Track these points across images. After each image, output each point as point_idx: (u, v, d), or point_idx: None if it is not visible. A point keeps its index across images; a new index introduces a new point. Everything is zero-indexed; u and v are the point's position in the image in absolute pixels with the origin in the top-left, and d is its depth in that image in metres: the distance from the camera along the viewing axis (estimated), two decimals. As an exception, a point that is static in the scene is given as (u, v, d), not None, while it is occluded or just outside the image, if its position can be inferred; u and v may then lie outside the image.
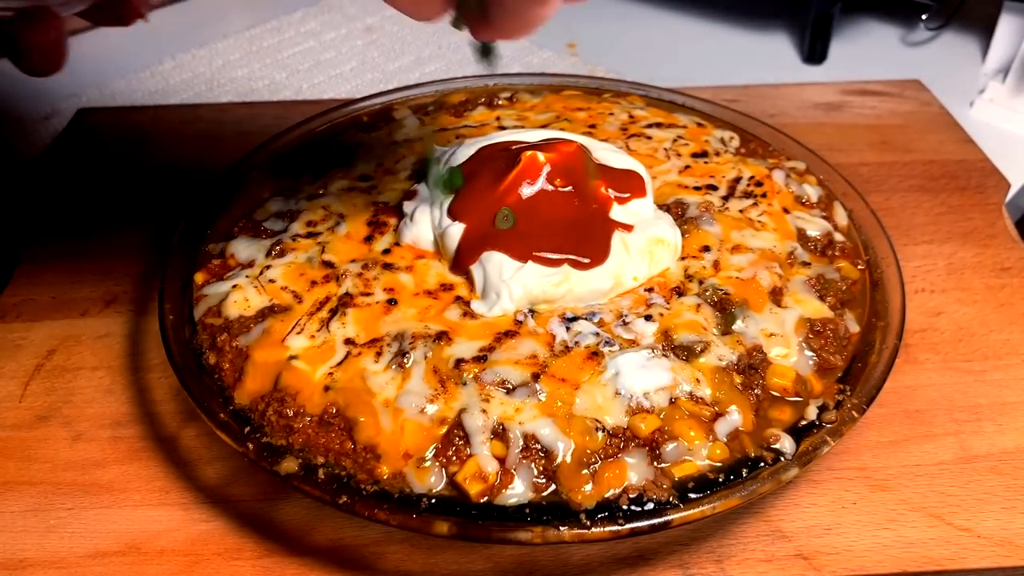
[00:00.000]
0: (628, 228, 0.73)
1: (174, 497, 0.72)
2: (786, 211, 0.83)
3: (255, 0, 1.69)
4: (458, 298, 0.71)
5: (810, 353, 0.70)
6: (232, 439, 0.63)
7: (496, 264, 0.70)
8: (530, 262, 0.69)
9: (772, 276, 0.74)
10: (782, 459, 0.62)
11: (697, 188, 0.84)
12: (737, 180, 0.86)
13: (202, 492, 0.73)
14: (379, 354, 0.67)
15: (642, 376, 0.64)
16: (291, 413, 0.64)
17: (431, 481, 0.60)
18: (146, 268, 0.95)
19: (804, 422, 0.65)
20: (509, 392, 0.64)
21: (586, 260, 0.70)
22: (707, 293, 0.72)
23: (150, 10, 0.67)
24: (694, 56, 1.50)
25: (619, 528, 0.58)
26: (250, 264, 0.76)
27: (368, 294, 0.72)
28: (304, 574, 0.67)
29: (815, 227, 0.82)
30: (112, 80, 1.39)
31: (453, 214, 0.74)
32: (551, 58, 1.49)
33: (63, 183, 1.08)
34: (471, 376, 0.64)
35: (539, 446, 0.61)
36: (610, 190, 0.75)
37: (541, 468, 0.61)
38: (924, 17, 1.51)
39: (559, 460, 0.61)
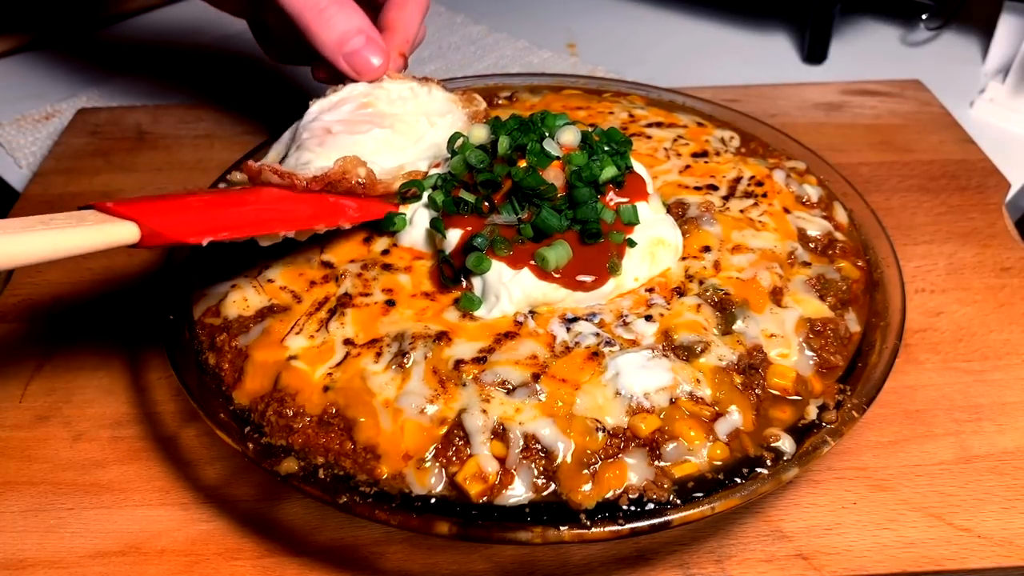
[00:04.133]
0: (629, 230, 0.73)
1: (174, 497, 0.72)
2: (786, 211, 0.83)
3: (255, 0, 1.69)
4: (456, 299, 0.71)
5: (810, 353, 0.70)
6: (232, 439, 0.63)
7: (495, 268, 0.69)
8: (526, 269, 0.69)
9: (772, 276, 0.74)
10: (782, 459, 0.62)
11: (697, 188, 0.84)
12: (737, 180, 0.86)
13: (202, 492, 0.73)
14: (379, 354, 0.67)
15: (642, 376, 0.64)
16: (291, 413, 0.64)
17: (431, 481, 0.60)
18: (146, 268, 0.95)
19: (804, 422, 0.65)
20: (509, 392, 0.64)
21: (590, 279, 0.70)
22: (707, 293, 0.72)
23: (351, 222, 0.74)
24: (694, 56, 1.49)
25: (619, 528, 0.58)
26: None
27: (367, 294, 0.72)
28: (304, 574, 0.67)
29: (815, 227, 0.82)
30: (112, 80, 1.39)
31: (449, 220, 0.73)
32: (551, 58, 1.49)
33: (63, 183, 1.08)
34: (471, 377, 0.64)
35: (539, 446, 0.61)
36: (611, 192, 0.75)
37: (541, 468, 0.61)
38: (924, 17, 1.51)
39: (559, 460, 0.61)
